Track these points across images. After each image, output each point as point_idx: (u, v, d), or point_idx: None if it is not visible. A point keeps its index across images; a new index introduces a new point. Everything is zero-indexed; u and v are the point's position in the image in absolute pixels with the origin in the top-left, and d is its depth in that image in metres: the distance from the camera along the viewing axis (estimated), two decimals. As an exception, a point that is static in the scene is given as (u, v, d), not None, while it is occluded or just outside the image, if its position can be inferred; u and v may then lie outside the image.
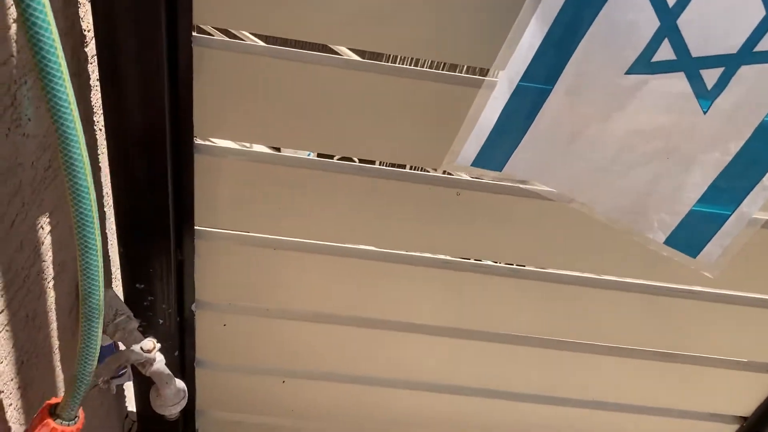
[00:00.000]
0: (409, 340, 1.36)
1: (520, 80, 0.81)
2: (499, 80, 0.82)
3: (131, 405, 1.56)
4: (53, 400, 0.86)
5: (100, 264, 0.75)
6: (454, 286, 1.27)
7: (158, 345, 1.02)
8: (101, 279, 0.76)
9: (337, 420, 1.56)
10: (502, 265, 1.26)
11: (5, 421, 0.84)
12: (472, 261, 1.26)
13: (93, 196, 0.71)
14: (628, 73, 0.79)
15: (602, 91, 0.81)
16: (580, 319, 1.33)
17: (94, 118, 1.04)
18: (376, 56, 1.01)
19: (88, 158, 0.69)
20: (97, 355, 0.82)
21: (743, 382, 1.43)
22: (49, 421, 0.82)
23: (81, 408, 0.86)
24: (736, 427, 1.52)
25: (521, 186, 1.07)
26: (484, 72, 0.92)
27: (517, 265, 1.26)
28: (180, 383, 1.08)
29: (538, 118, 0.85)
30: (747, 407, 1.49)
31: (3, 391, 0.81)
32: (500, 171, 0.90)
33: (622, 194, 0.90)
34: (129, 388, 1.53)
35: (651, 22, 0.77)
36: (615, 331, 1.36)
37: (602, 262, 1.24)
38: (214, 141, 1.35)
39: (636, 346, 1.38)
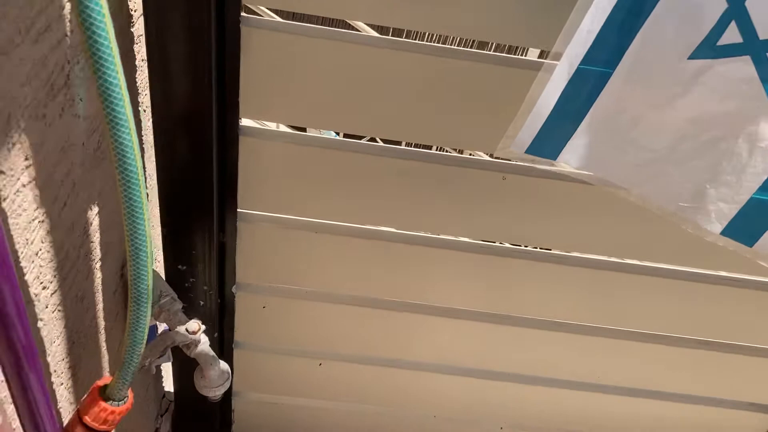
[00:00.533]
0: (448, 325, 1.35)
1: (581, 63, 0.79)
2: (559, 63, 0.80)
3: (167, 385, 1.57)
4: (102, 381, 0.86)
5: (150, 249, 0.75)
6: (493, 271, 1.26)
7: (203, 327, 1.02)
8: (150, 264, 0.76)
9: (373, 403, 1.56)
10: (542, 250, 1.25)
11: (56, 401, 0.84)
12: (512, 246, 1.24)
13: (143, 181, 0.71)
14: (691, 57, 0.77)
15: (664, 77, 0.79)
16: (620, 306, 1.31)
17: (139, 99, 1.03)
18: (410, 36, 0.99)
19: (138, 145, 0.68)
20: (146, 338, 0.82)
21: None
22: (101, 402, 0.83)
23: (130, 388, 0.87)
24: (776, 417, 1.50)
25: (569, 171, 1.05)
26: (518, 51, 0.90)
27: (559, 250, 1.24)
28: (224, 365, 1.08)
29: (596, 104, 0.83)
30: (788, 398, 1.46)
31: (55, 371, 0.82)
32: (554, 159, 0.88)
33: (680, 185, 0.88)
34: (165, 368, 1.54)
35: (718, 4, 0.74)
36: (654, 318, 1.34)
37: (644, 249, 1.22)
38: (259, 123, 1.35)
39: (675, 334, 1.36)
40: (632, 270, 1.25)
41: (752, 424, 1.54)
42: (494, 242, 1.24)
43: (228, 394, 1.53)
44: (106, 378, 0.87)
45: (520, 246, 1.24)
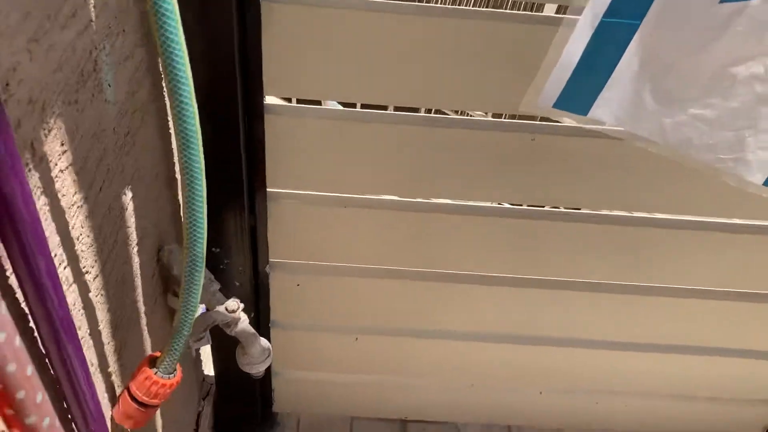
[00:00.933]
0: (482, 292, 1.35)
1: (603, 16, 0.78)
2: (581, 17, 0.78)
3: (207, 369, 1.59)
4: (153, 354, 0.88)
5: (204, 212, 0.76)
6: (527, 235, 1.25)
7: (242, 305, 1.03)
8: (205, 228, 0.77)
9: (411, 375, 1.57)
10: (573, 210, 1.24)
11: (109, 384, 0.86)
12: (546, 208, 1.23)
13: (200, 141, 0.72)
14: (723, 1, 0.75)
15: (695, 24, 0.77)
16: (660, 263, 1.30)
17: (163, 83, 1.04)
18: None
19: (196, 105, 0.71)
20: (198, 305, 0.83)
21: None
22: (150, 372, 0.84)
23: (178, 363, 0.88)
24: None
25: (598, 127, 1.03)
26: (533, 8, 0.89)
27: (590, 209, 1.23)
28: (264, 341, 1.09)
29: (625, 56, 0.81)
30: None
31: (101, 354, 0.83)
32: (585, 115, 0.87)
33: (717, 135, 0.86)
34: (204, 354, 1.56)
35: (747, -56, 0.73)
36: (689, 272, 1.33)
37: (682, 202, 1.21)
38: (283, 100, 1.35)
39: (711, 287, 1.35)
40: (671, 225, 1.23)
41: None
42: (524, 205, 1.23)
43: (267, 374, 1.54)
44: (155, 353, 0.88)
45: (550, 207, 1.24)
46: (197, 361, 1.53)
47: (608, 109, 0.87)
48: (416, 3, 0.93)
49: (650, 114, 0.87)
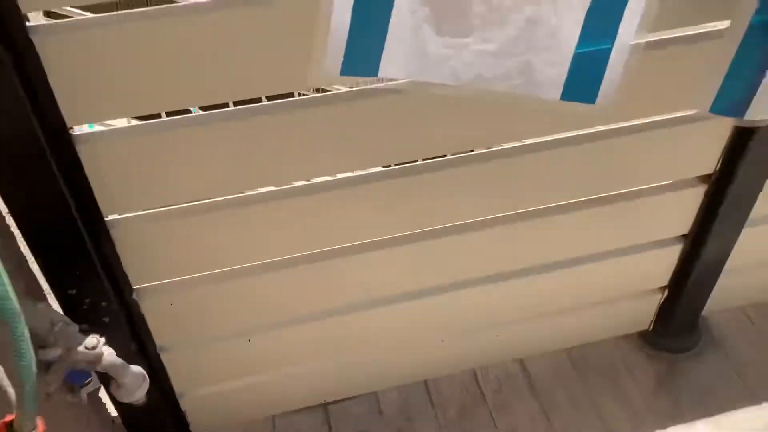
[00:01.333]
0: (364, 260, 1.38)
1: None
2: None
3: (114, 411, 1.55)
4: (8, 418, 0.86)
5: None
6: (389, 196, 1.28)
7: (102, 339, 1.02)
8: (7, 281, 0.75)
9: (317, 358, 1.58)
10: (433, 160, 1.25)
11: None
12: (394, 166, 1.25)
13: None
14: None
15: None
16: (512, 191, 1.36)
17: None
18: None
19: None
20: (33, 359, 0.81)
21: (676, 203, 1.48)
22: (10, 438, 0.83)
23: (39, 418, 0.86)
24: (680, 245, 1.59)
25: (396, 82, 1.05)
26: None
27: (432, 158, 1.26)
28: (136, 368, 1.08)
29: (395, 10, 0.83)
30: (686, 225, 1.54)
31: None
32: (376, 75, 0.89)
33: (504, 66, 0.90)
34: (105, 396, 1.53)
35: None
36: (550, 191, 1.39)
37: (514, 131, 1.26)
38: (90, 127, 1.32)
39: (575, 199, 1.42)
40: (509, 154, 1.28)
41: (663, 261, 1.63)
42: (377, 168, 1.25)
43: (173, 398, 1.53)
44: (11, 415, 0.86)
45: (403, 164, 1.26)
46: (98, 405, 1.49)
47: (396, 64, 0.89)
48: (180, 4, 0.92)
49: (437, 60, 0.90)
